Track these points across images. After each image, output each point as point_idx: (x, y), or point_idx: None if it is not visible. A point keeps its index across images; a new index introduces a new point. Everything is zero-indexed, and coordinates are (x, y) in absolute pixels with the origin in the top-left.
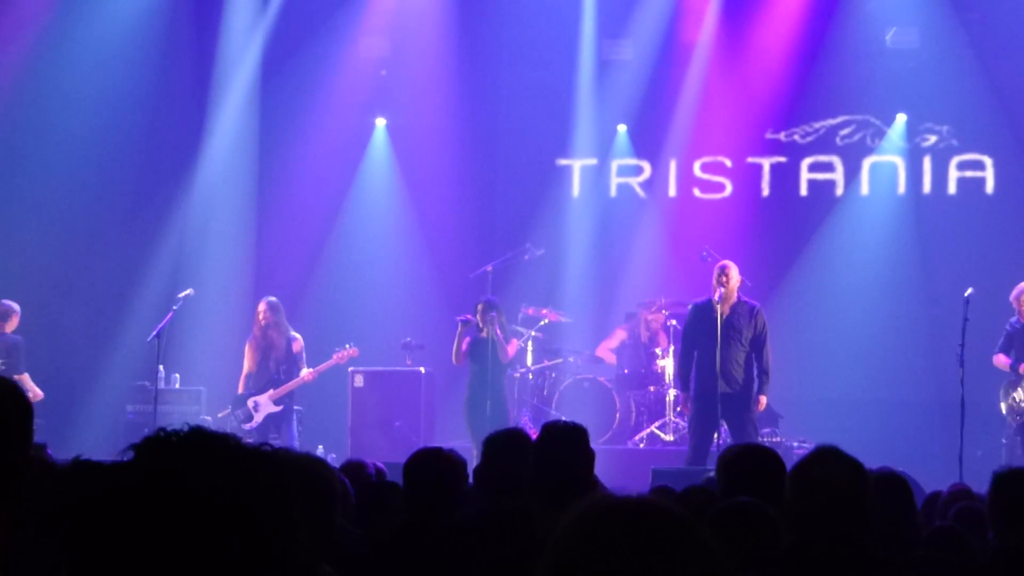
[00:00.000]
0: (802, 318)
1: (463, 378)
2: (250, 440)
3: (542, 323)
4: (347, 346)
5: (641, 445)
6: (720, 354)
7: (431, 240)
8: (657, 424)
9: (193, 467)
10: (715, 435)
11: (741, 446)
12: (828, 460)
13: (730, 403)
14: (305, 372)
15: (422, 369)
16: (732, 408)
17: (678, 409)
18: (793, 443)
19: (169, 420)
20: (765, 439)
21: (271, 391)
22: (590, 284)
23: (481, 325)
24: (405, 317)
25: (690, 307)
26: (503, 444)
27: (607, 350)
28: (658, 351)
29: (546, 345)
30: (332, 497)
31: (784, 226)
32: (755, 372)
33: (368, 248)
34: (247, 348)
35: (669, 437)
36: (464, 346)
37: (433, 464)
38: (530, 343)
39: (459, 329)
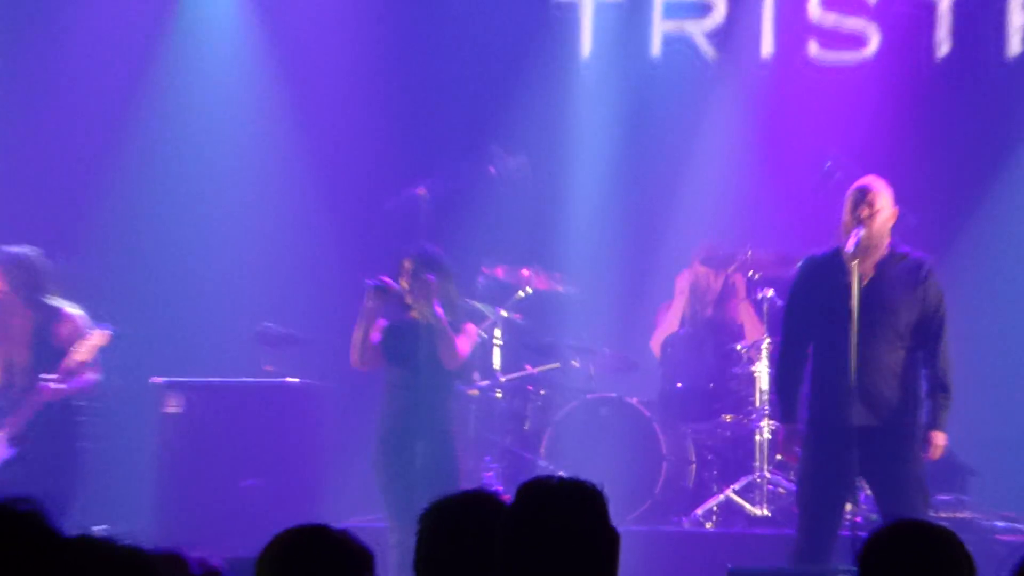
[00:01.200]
0: (1007, 290)
1: (374, 395)
2: None
3: (520, 295)
4: (90, 328)
5: (708, 525)
6: (858, 352)
7: (317, 147)
8: (739, 484)
9: None
10: (847, 506)
11: (898, 528)
12: None
13: (877, 444)
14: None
15: (294, 380)
16: (880, 454)
17: (778, 457)
18: (996, 522)
19: None
20: (944, 515)
21: (7, 421)
22: (612, 225)
23: (409, 298)
24: (267, 287)
25: (801, 264)
26: (449, 522)
27: (661, 339)
28: (740, 347)
29: (529, 337)
30: None
31: (978, 117)
32: (923, 386)
33: (189, 164)
34: None
35: (761, 511)
36: (376, 334)
37: (311, 558)
38: (498, 332)
39: (367, 303)
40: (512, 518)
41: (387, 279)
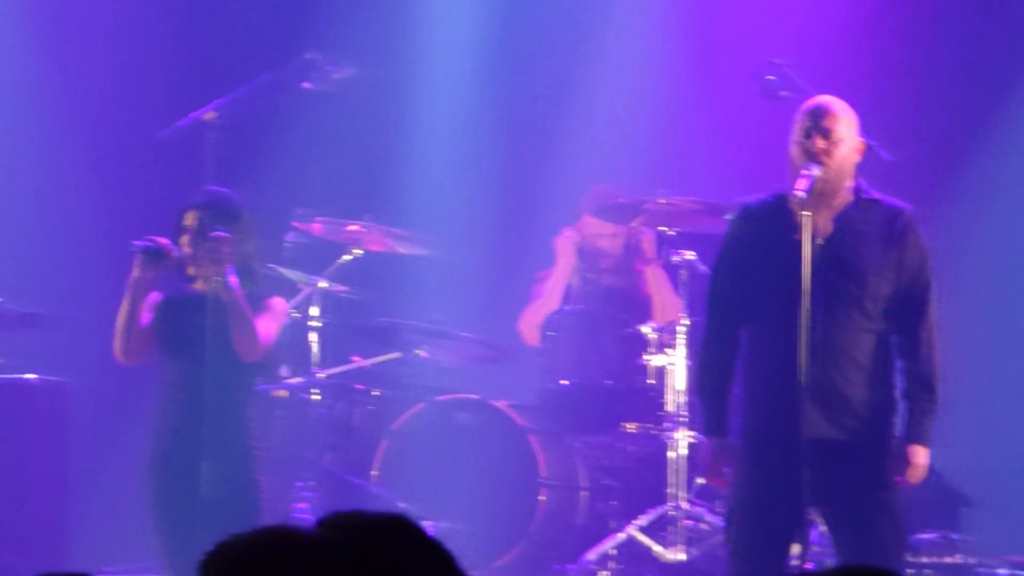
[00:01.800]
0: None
1: (145, 397)
2: None
3: (347, 260)
4: None
5: (604, 574)
6: (812, 336)
7: (62, 57)
8: (646, 519)
9: None
10: (795, 547)
11: (856, 571)
12: None
13: (836, 463)
14: None
15: (32, 376)
16: (840, 477)
17: (699, 481)
18: (999, 570)
19: None
20: (928, 559)
21: None
22: (474, 166)
23: (192, 264)
24: None
25: (734, 216)
26: (242, 570)
27: (538, 318)
28: (647, 330)
29: (359, 316)
30: None
31: (982, 22)
32: (900, 384)
33: None
34: None
35: (676, 554)
36: (147, 315)
37: None
38: (315, 309)
39: (134, 273)
40: (310, 565)
41: (161, 239)
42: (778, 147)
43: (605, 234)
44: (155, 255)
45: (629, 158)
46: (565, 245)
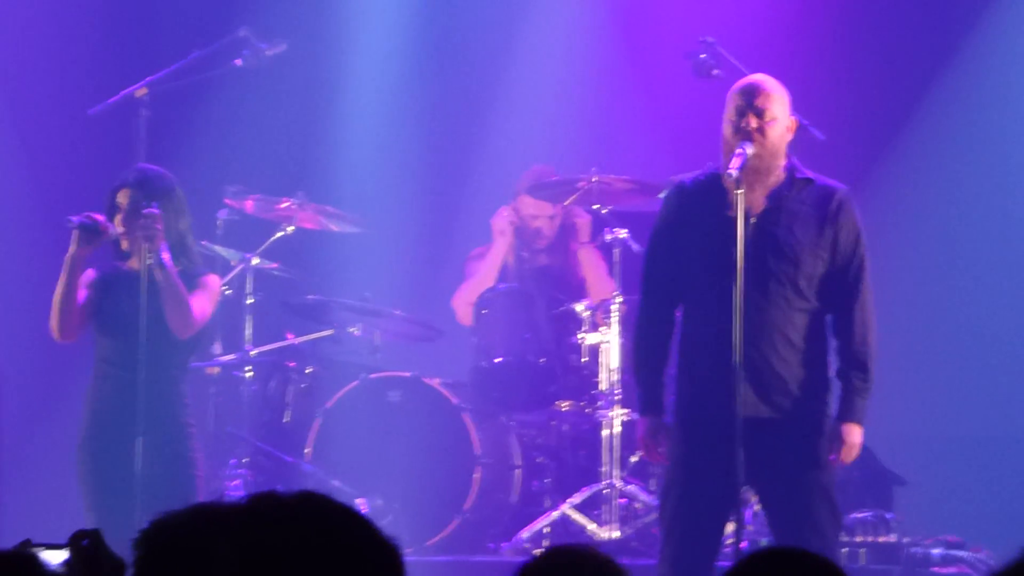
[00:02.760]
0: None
1: (79, 375)
2: None
3: (279, 236)
4: None
5: (537, 552)
6: (745, 315)
7: None
8: (580, 497)
9: None
10: (729, 526)
11: (785, 553)
12: None
13: (769, 442)
14: None
15: None
16: (774, 455)
17: (633, 460)
18: (932, 550)
19: None
20: (861, 538)
21: None
22: (407, 142)
23: (125, 240)
24: None
25: (666, 194)
26: (174, 547)
27: (473, 297)
28: (581, 308)
29: (291, 294)
30: None
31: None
32: (831, 362)
33: None
34: None
35: (610, 532)
36: (82, 291)
37: None
38: (249, 287)
39: (71, 249)
40: (237, 546)
41: (97, 215)
42: (710, 126)
43: (543, 215)
44: (92, 231)
45: (562, 137)
46: (502, 223)
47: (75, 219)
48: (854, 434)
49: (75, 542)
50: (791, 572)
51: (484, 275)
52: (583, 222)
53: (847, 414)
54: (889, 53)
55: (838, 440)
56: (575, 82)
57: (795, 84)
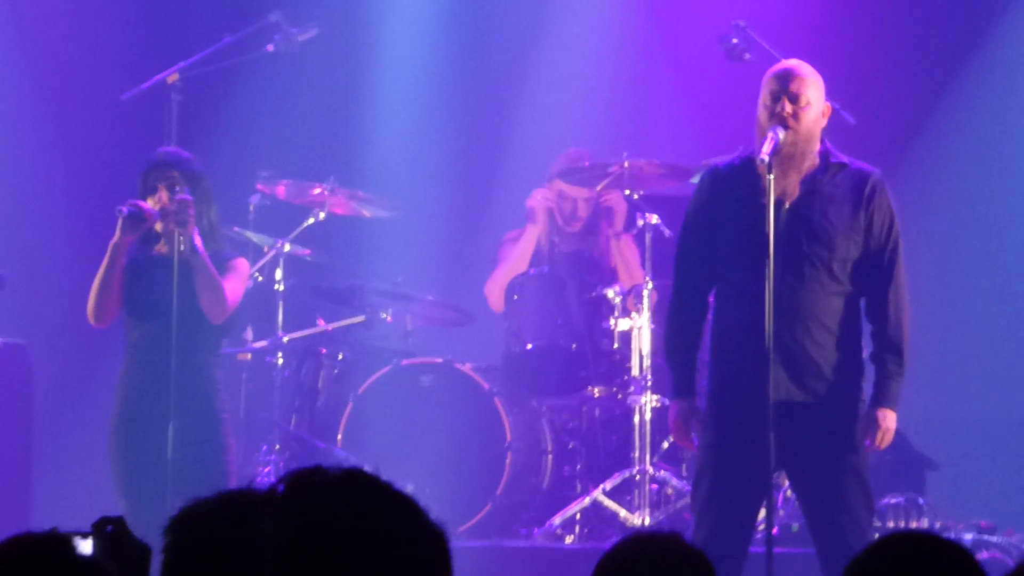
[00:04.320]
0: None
1: (111, 359)
2: None
3: (310, 223)
4: None
5: (569, 539)
6: (778, 299)
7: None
8: (612, 483)
9: None
10: (761, 512)
11: (917, 537)
12: None
13: (803, 427)
14: None
15: None
16: (807, 440)
17: (665, 445)
18: (964, 534)
19: None
20: (893, 523)
21: None
22: (439, 126)
23: (159, 225)
24: None
25: (700, 179)
26: (207, 533)
27: (506, 282)
28: (613, 293)
29: (322, 279)
30: None
31: None
32: (864, 347)
33: None
34: None
35: (642, 518)
36: (117, 277)
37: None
38: (279, 272)
39: (116, 236)
40: (278, 527)
41: (143, 203)
42: (741, 110)
43: (579, 198)
44: (138, 219)
45: (594, 121)
46: (538, 206)
47: (124, 209)
48: (889, 419)
49: (99, 528)
50: (923, 556)
51: (516, 261)
52: (620, 209)
53: (881, 399)
54: (920, 36)
55: (873, 425)
56: (607, 66)
57: (825, 68)
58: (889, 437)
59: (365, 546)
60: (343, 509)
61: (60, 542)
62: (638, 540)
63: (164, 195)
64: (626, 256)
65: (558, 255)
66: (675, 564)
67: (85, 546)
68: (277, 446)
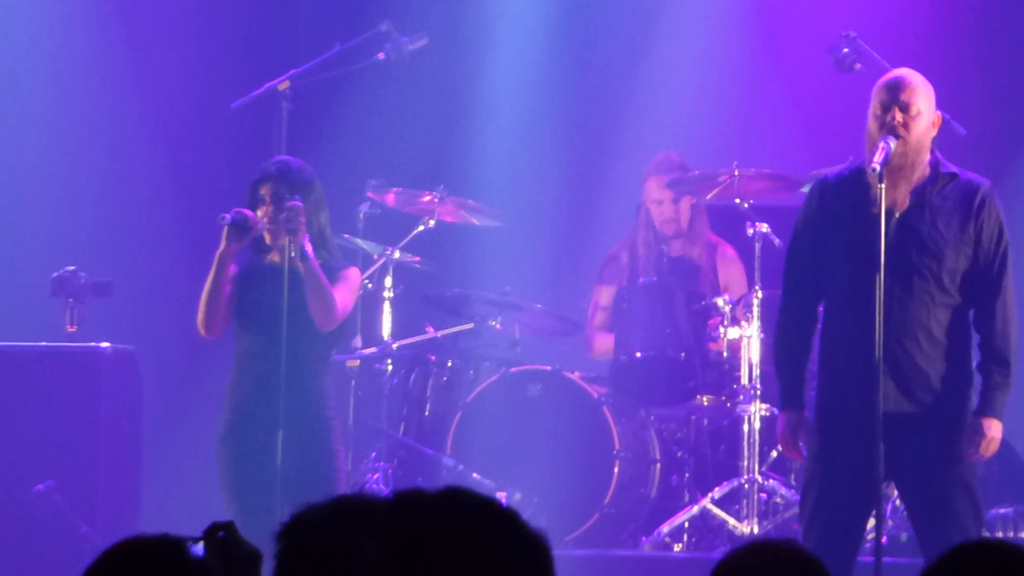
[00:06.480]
0: None
1: (220, 366)
2: None
3: (420, 230)
4: None
5: (678, 547)
6: (888, 311)
7: (131, 28)
8: (720, 492)
9: None
10: (870, 521)
11: (992, 545)
12: None
13: (911, 437)
14: None
15: (105, 344)
16: (916, 451)
17: (773, 455)
18: None
19: None
20: (1003, 534)
21: None
22: (547, 135)
23: (269, 234)
24: (70, 221)
25: (809, 189)
26: (317, 540)
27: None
28: (720, 302)
29: (431, 287)
30: None
31: None
32: (972, 358)
33: None
34: None
35: (750, 527)
36: (227, 286)
37: None
38: (389, 280)
39: (223, 244)
40: (381, 548)
41: (248, 211)
42: (851, 120)
43: (666, 198)
44: (243, 228)
45: (702, 131)
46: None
47: (228, 216)
48: (993, 428)
49: (211, 534)
50: (999, 564)
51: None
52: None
53: (986, 408)
54: None
55: (977, 434)
56: (716, 75)
57: (936, 78)
58: (994, 447)
59: (466, 564)
60: (444, 528)
61: (173, 545)
62: (755, 547)
63: (270, 208)
64: (734, 260)
65: (662, 263)
66: (793, 572)
67: (196, 550)
68: (385, 454)
